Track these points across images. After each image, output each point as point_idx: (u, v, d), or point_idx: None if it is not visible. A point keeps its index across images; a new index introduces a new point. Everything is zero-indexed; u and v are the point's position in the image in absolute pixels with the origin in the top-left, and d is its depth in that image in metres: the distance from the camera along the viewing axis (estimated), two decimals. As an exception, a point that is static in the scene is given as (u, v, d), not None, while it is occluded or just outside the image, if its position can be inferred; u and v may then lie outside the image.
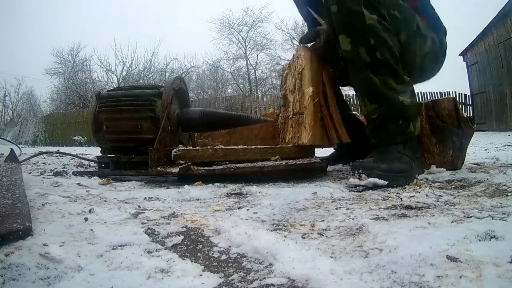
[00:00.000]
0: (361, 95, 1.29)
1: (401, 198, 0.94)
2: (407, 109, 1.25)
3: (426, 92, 11.04)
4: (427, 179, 1.28)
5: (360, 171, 1.12)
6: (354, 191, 1.07)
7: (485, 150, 3.34)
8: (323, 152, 1.95)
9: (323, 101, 1.51)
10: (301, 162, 1.36)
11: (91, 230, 0.64)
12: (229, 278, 0.49)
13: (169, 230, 0.69)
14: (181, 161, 1.35)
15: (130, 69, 18.98)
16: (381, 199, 0.95)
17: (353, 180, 1.12)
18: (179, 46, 42.26)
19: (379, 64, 1.20)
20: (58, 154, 2.38)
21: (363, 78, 1.24)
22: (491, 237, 0.57)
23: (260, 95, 12.92)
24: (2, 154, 2.36)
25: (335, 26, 1.26)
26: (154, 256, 0.56)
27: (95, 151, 3.16)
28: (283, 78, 1.72)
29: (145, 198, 1.03)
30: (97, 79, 19.23)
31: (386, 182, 1.10)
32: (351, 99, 11.45)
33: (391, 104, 1.24)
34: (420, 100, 1.52)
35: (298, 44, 1.59)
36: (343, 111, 1.59)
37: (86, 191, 1.11)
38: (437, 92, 11.25)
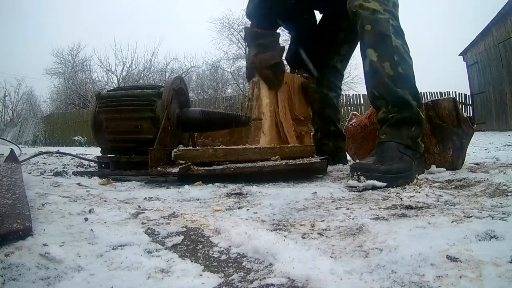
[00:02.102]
0: (385, 101, 1.38)
1: (401, 198, 0.94)
2: (422, 121, 1.38)
3: (426, 92, 11.03)
4: (427, 179, 1.28)
5: (359, 172, 1.12)
6: (354, 191, 1.07)
7: (485, 150, 3.35)
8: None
9: (276, 108, 1.68)
10: (301, 162, 1.36)
11: (91, 230, 0.64)
12: (229, 278, 0.49)
13: (169, 230, 0.69)
14: (181, 161, 1.34)
15: (130, 69, 19.01)
16: (381, 199, 0.95)
17: (352, 182, 1.12)
18: (179, 46, 42.46)
19: (400, 77, 1.35)
20: (58, 154, 2.38)
21: (386, 87, 1.36)
22: (491, 237, 0.57)
23: (260, 95, 12.89)
24: (2, 154, 2.36)
25: (365, 41, 1.42)
26: (154, 256, 0.56)
27: (95, 151, 3.16)
28: (250, 86, 1.84)
29: (145, 198, 1.03)
30: (97, 79, 19.27)
31: (385, 184, 1.10)
32: (351, 99, 11.48)
33: (411, 111, 1.35)
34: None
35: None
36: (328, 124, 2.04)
37: (86, 191, 1.11)
38: (437, 92, 11.25)
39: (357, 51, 2.03)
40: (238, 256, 0.56)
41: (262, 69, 1.68)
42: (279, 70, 1.70)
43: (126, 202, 0.96)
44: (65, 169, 1.62)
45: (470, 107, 12.64)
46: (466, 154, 1.65)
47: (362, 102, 11.26)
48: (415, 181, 1.21)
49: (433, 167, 1.49)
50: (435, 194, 0.96)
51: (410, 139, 1.31)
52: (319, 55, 2.00)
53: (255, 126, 1.69)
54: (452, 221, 0.68)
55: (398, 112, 1.34)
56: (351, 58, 2.12)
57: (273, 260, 0.53)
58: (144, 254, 0.56)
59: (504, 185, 1.05)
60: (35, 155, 2.29)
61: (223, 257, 0.56)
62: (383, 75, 1.36)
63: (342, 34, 1.95)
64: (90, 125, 1.62)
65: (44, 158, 2.51)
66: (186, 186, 1.18)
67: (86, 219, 0.72)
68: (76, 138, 12.76)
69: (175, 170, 1.26)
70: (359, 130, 1.91)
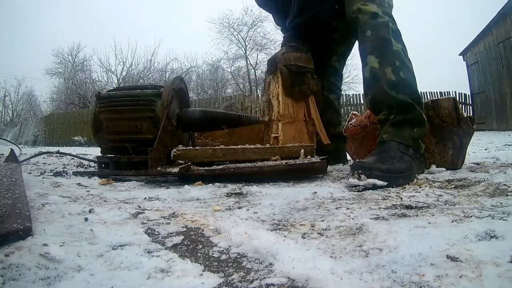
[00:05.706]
0: (386, 105, 1.37)
1: (401, 198, 0.94)
2: (425, 123, 1.38)
3: (426, 92, 11.03)
4: (427, 178, 1.28)
5: (360, 171, 1.13)
6: (354, 191, 1.07)
7: (485, 149, 3.35)
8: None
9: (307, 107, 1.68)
10: (301, 162, 1.36)
11: (91, 230, 0.64)
12: (229, 278, 0.49)
13: (169, 230, 0.69)
14: (181, 161, 1.34)
15: (130, 69, 18.98)
16: (381, 199, 0.95)
17: (353, 181, 1.12)
18: (179, 46, 42.51)
19: (402, 82, 1.34)
20: (58, 154, 2.38)
21: (387, 94, 1.34)
22: (491, 237, 0.57)
23: (260, 95, 12.90)
24: (2, 154, 2.36)
25: (366, 47, 1.41)
26: (154, 256, 0.56)
27: (95, 151, 3.16)
28: (266, 83, 1.81)
29: (145, 198, 1.03)
30: (97, 79, 19.25)
31: (385, 183, 1.10)
32: (351, 99, 11.47)
33: (414, 113, 1.34)
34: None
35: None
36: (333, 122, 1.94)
37: (86, 191, 1.11)
38: (437, 92, 11.24)
39: (356, 53, 2.04)
40: (238, 256, 0.56)
41: (284, 65, 1.63)
42: (302, 78, 1.63)
43: (126, 202, 0.96)
44: (65, 169, 1.62)
45: (470, 107, 12.63)
46: (466, 154, 1.65)
47: (362, 102, 11.25)
48: (415, 181, 1.21)
49: (433, 167, 1.49)
50: (435, 194, 0.96)
51: (412, 139, 1.32)
52: (317, 56, 1.98)
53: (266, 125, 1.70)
54: (452, 221, 0.68)
55: (400, 114, 1.34)
56: (351, 58, 2.10)
57: (273, 260, 0.53)
58: (144, 254, 0.56)
59: (504, 184, 1.05)
60: (35, 155, 2.29)
61: (223, 257, 0.56)
62: (384, 82, 1.34)
63: (338, 34, 1.93)
64: (90, 125, 1.61)
65: (44, 158, 2.51)
66: (186, 186, 1.18)
67: (86, 219, 0.72)
68: (76, 138, 12.76)
69: (175, 170, 1.26)
70: (359, 130, 1.91)
